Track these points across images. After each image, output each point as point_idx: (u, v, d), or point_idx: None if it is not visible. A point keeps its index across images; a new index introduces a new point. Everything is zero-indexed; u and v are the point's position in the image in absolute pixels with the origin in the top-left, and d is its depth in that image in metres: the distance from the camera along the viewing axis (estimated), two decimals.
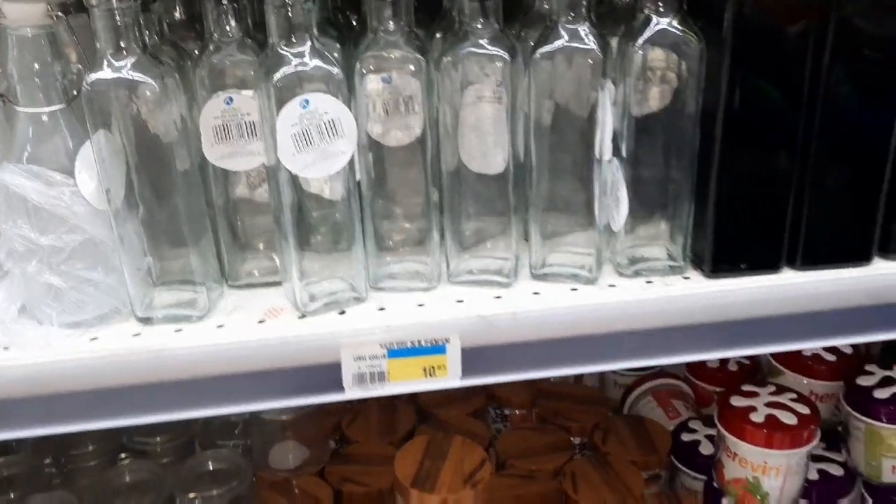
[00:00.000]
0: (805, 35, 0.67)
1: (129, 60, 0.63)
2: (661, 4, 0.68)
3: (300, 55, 0.64)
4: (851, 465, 1.11)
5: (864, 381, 1.07)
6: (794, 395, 1.04)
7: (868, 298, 0.73)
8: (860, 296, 0.73)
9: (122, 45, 0.63)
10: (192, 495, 1.06)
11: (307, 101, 0.64)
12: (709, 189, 0.72)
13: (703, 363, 1.30)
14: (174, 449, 1.18)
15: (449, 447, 0.97)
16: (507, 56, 0.67)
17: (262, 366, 0.68)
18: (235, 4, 0.69)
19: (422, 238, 0.74)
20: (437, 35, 0.77)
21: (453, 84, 0.69)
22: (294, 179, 0.67)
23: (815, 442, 1.00)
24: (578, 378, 1.38)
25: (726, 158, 0.71)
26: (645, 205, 0.74)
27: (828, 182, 0.72)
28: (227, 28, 0.69)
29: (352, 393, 0.69)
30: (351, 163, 0.68)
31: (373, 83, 0.68)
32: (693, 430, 1.18)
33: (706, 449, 1.13)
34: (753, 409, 1.01)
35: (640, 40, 0.68)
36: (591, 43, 0.67)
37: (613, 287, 0.74)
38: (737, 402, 1.03)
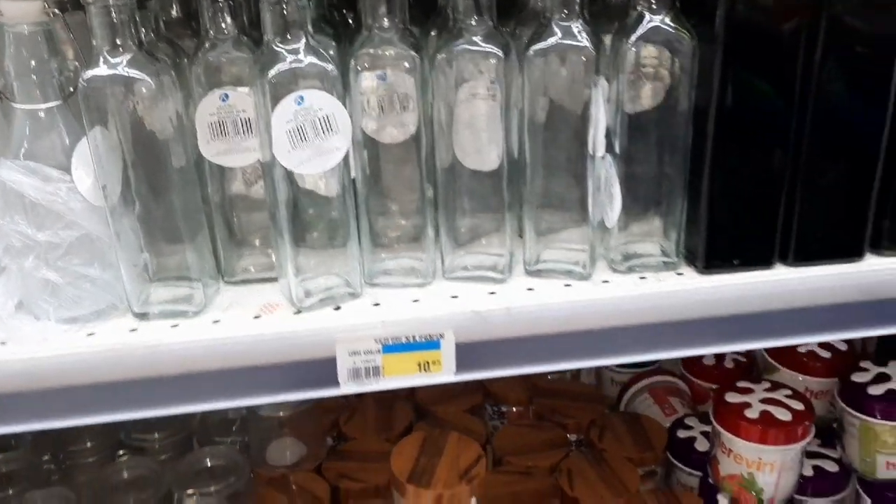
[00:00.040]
0: (797, 32, 0.68)
1: (126, 57, 0.64)
2: (653, 1, 0.68)
3: (295, 52, 0.64)
4: (846, 461, 1.12)
5: (858, 377, 1.08)
6: (788, 392, 1.04)
7: (860, 294, 0.74)
8: (852, 292, 0.74)
9: (119, 42, 0.64)
10: (189, 491, 1.06)
11: (302, 98, 0.64)
12: (702, 185, 0.72)
13: (699, 361, 1.30)
14: (172, 445, 1.18)
15: (445, 443, 0.98)
16: (500, 53, 0.68)
17: (258, 361, 0.68)
18: (231, 2, 0.70)
19: (417, 234, 0.75)
20: (433, 32, 0.77)
21: (448, 81, 0.69)
22: (289, 176, 0.67)
23: (810, 438, 1.01)
24: (575, 376, 1.38)
25: (719, 155, 0.71)
26: (638, 201, 0.75)
27: (819, 178, 0.72)
28: (223, 25, 0.70)
29: (347, 388, 0.70)
30: (346, 159, 0.68)
31: (367, 80, 0.69)
32: (689, 427, 1.18)
33: (702, 445, 1.14)
34: (748, 405, 1.02)
35: (633, 37, 0.68)
36: (584, 40, 0.67)
37: (607, 283, 0.74)
38: (732, 398, 1.04)
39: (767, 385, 1.06)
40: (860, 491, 1.11)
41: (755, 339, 0.75)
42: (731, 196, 0.73)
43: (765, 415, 1.00)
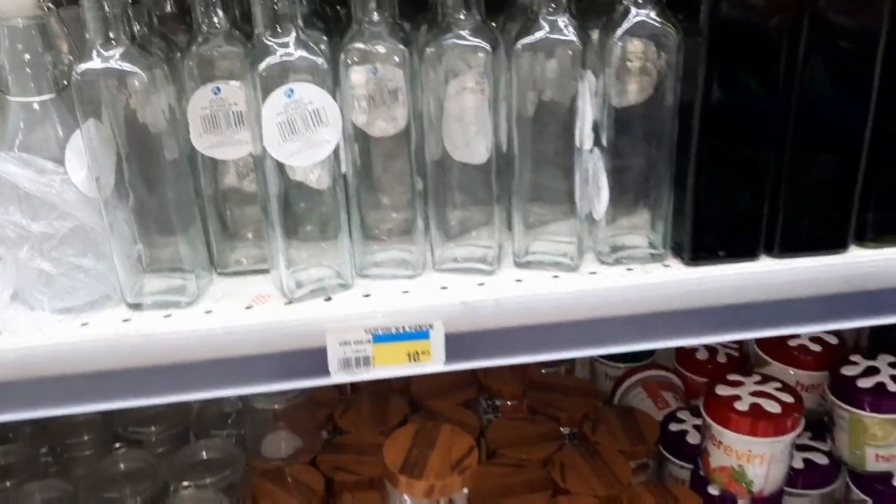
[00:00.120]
0: (781, 27, 0.69)
1: (119, 51, 0.65)
2: None
3: (285, 45, 0.65)
4: (836, 453, 1.13)
5: (848, 370, 1.09)
6: (778, 385, 1.05)
7: (845, 285, 0.75)
8: (837, 283, 0.75)
9: (112, 35, 0.64)
10: (185, 484, 1.07)
11: (292, 91, 0.65)
12: (688, 178, 0.73)
13: (692, 355, 1.31)
14: (168, 438, 1.19)
15: (437, 435, 0.99)
16: (489, 47, 0.69)
17: (250, 351, 0.69)
18: None
19: (407, 227, 0.76)
20: (422, 27, 0.78)
21: (437, 75, 0.70)
22: (280, 168, 0.68)
23: (799, 430, 1.02)
24: (570, 370, 1.39)
25: (705, 148, 0.72)
26: (626, 194, 0.75)
27: (804, 172, 0.73)
28: (215, 19, 0.71)
29: (337, 377, 0.71)
30: (336, 152, 0.69)
31: (357, 74, 0.70)
32: (681, 420, 1.19)
33: (693, 438, 1.14)
34: (738, 398, 1.03)
35: (620, 31, 0.69)
36: (571, 34, 0.68)
37: (595, 274, 0.75)
38: (722, 391, 1.05)
39: (758, 378, 1.07)
40: (850, 483, 1.12)
41: (741, 330, 0.76)
42: (717, 189, 0.73)
43: (754, 407, 1.01)
